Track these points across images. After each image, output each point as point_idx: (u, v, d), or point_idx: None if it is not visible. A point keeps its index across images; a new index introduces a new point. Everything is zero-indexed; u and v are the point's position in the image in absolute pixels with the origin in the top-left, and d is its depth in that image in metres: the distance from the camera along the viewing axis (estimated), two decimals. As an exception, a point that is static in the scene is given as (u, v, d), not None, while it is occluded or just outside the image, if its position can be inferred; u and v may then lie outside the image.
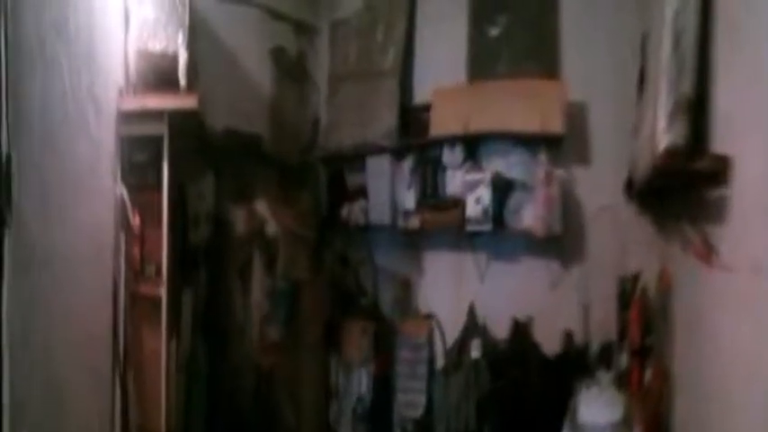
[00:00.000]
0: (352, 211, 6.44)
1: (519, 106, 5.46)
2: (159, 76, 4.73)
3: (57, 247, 3.36)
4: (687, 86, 2.95)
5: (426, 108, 6.05)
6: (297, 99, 6.75)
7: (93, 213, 3.99)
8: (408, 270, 6.36)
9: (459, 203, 5.64)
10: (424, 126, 6.02)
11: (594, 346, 5.30)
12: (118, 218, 4.38)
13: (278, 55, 6.50)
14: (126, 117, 4.40)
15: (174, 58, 4.78)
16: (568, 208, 5.36)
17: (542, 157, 5.36)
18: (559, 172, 5.34)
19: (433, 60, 6.31)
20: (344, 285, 6.67)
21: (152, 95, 4.58)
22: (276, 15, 6.50)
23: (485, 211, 5.47)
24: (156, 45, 4.79)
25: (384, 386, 6.26)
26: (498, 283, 5.80)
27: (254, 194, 6.08)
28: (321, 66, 7.00)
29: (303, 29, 6.84)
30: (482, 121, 5.60)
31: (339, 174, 6.71)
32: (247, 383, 5.84)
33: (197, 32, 5.15)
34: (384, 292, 6.51)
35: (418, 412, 6.02)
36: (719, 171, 2.68)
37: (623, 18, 5.25)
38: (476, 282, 5.88)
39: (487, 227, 5.48)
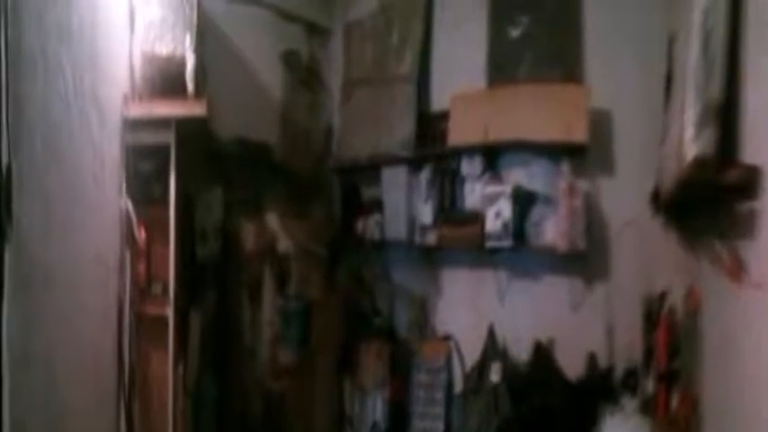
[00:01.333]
0: (367, 226, 6.44)
1: (541, 113, 5.44)
2: (166, 80, 4.72)
3: (59, 263, 3.34)
4: (716, 91, 2.90)
5: (444, 115, 6.03)
6: (309, 106, 6.76)
7: (98, 228, 3.99)
8: (425, 288, 6.33)
9: (478, 218, 5.62)
10: (442, 134, 6.00)
11: (619, 370, 5.23)
12: (123, 233, 4.38)
13: (289, 59, 6.51)
14: (131, 125, 4.39)
15: (182, 62, 4.75)
16: (592, 222, 5.31)
17: (565, 167, 5.33)
18: (582, 183, 5.31)
19: (451, 64, 6.30)
20: (359, 305, 6.64)
21: (158, 102, 4.57)
22: (288, 16, 6.53)
23: (505, 226, 5.45)
24: (163, 48, 4.78)
25: (400, 412, 6.21)
26: (519, 303, 5.76)
27: (264, 208, 6.07)
28: (334, 70, 7.02)
29: (316, 31, 6.85)
30: (502, 129, 5.58)
31: (353, 186, 6.72)
32: (257, 408, 5.82)
33: (205, 35, 5.15)
34: (400, 311, 6.49)
35: (436, 439, 6.01)
36: (749, 182, 2.63)
37: (650, 18, 5.15)
38: (495, 301, 5.85)
39: (508, 243, 5.46)
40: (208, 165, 5.56)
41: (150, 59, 4.71)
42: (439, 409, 6.01)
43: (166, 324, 4.64)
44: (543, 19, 5.75)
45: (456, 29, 6.26)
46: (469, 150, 5.78)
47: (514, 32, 5.86)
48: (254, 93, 6.22)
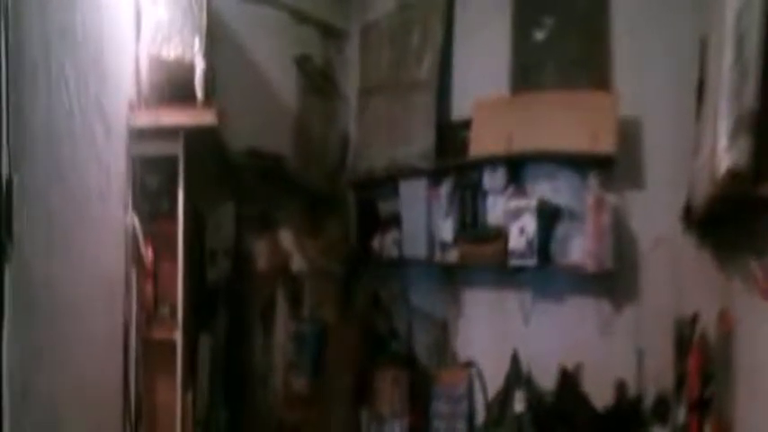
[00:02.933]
0: (385, 244, 6.45)
1: (567, 122, 5.40)
2: (174, 87, 4.68)
3: (62, 284, 3.29)
4: (750, 98, 2.86)
5: (466, 124, 6.01)
6: (324, 114, 6.79)
7: (103, 246, 3.96)
8: (445, 310, 6.32)
9: (501, 234, 5.60)
10: (464, 145, 5.97)
11: (649, 398, 5.17)
12: (129, 251, 4.37)
13: (303, 64, 6.53)
14: (137, 134, 4.39)
15: (191, 67, 4.71)
16: (620, 239, 5.26)
17: (592, 180, 5.29)
18: (611, 197, 5.26)
19: (472, 69, 6.29)
20: (375, 328, 6.64)
21: (166, 110, 4.52)
22: (302, 18, 6.56)
23: (529, 243, 5.41)
24: (171, 52, 4.75)
25: (420, 442, 6.21)
26: (544, 325, 5.73)
27: (277, 224, 6.08)
28: (350, 76, 7.05)
29: (331, 33, 6.88)
30: (526, 139, 5.56)
31: (370, 200, 6.72)
32: (270, 439, 5.83)
33: (215, 38, 5.16)
34: (419, 334, 6.47)
35: (457, 473, 5.98)
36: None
37: (682, 21, 5.08)
38: (519, 323, 5.83)
39: (532, 261, 5.42)
40: (218, 178, 5.56)
41: (157, 64, 4.69)
42: (460, 441, 6.02)
43: (174, 349, 4.57)
44: (570, 21, 5.71)
45: (478, 31, 6.25)
46: (492, 162, 5.75)
47: (539, 35, 5.83)
48: (267, 100, 6.25)
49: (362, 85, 6.95)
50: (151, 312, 4.73)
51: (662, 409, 5.06)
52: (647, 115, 5.32)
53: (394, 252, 6.37)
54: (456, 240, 5.97)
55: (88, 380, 3.71)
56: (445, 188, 6.07)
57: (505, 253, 5.55)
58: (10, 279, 2.74)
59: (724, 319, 3.94)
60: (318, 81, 6.71)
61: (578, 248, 5.35)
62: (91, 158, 3.75)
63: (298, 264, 6.08)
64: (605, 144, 5.20)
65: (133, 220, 4.41)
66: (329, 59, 6.85)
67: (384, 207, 6.58)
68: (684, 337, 4.72)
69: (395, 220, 6.40)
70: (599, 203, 5.21)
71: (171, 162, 4.58)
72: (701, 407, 4.23)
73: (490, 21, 6.12)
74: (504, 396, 5.65)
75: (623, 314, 5.39)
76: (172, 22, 4.78)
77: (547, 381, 5.57)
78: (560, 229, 5.48)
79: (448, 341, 6.31)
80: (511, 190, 5.70)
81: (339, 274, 6.52)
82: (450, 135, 6.20)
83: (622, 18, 5.50)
